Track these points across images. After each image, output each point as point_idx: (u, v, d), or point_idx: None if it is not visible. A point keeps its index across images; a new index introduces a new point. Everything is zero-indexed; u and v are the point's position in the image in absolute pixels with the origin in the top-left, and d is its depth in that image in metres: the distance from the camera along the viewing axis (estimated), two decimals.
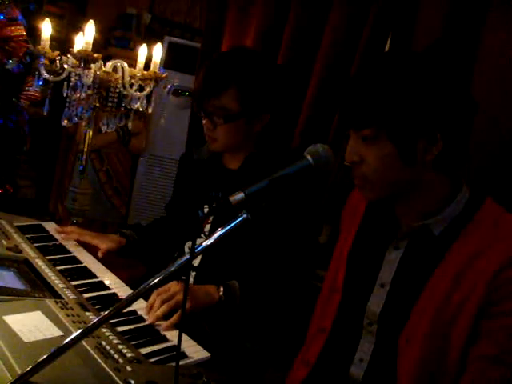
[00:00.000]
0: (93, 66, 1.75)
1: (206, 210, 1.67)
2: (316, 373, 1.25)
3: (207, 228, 1.64)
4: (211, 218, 1.64)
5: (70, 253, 1.61)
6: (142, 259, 1.84)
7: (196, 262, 1.62)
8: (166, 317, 1.30)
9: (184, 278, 1.46)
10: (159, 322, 1.28)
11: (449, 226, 1.10)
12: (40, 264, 1.46)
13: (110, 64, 1.81)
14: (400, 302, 1.13)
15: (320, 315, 1.29)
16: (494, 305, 1.02)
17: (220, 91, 1.53)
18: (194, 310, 1.38)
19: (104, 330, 1.16)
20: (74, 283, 1.40)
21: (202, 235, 1.63)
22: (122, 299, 1.37)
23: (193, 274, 1.61)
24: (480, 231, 1.07)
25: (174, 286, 1.36)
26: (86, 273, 1.50)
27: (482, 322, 1.03)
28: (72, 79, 1.75)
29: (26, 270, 1.41)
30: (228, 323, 1.52)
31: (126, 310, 1.18)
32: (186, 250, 1.70)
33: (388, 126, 1.04)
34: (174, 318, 1.29)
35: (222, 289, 1.44)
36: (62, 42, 3.19)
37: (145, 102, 1.85)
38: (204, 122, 1.60)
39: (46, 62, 1.77)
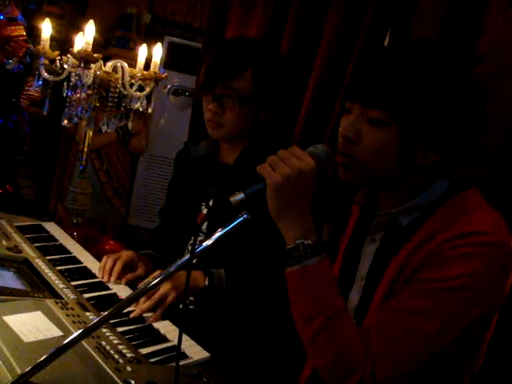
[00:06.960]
0: (93, 65, 1.75)
1: (203, 208, 1.65)
2: None
3: (205, 226, 1.63)
4: (207, 216, 1.63)
5: (70, 253, 1.61)
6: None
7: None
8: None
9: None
10: (146, 315, 1.30)
11: (417, 218, 1.06)
12: (40, 264, 1.46)
13: (110, 64, 1.81)
14: (370, 295, 1.09)
15: None
16: (417, 271, 0.99)
17: (237, 73, 1.50)
18: (179, 298, 1.37)
19: (104, 330, 1.16)
20: (73, 283, 1.40)
21: (201, 234, 1.62)
22: (122, 299, 1.37)
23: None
24: (443, 218, 1.02)
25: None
26: (86, 273, 1.50)
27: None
28: (72, 79, 1.75)
29: (25, 270, 1.41)
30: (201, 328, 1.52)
31: (125, 310, 1.19)
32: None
33: (403, 117, 0.99)
34: (159, 311, 1.31)
35: (207, 277, 1.43)
36: (62, 42, 3.19)
37: (145, 102, 1.86)
38: (211, 106, 1.53)
39: (46, 61, 1.77)
